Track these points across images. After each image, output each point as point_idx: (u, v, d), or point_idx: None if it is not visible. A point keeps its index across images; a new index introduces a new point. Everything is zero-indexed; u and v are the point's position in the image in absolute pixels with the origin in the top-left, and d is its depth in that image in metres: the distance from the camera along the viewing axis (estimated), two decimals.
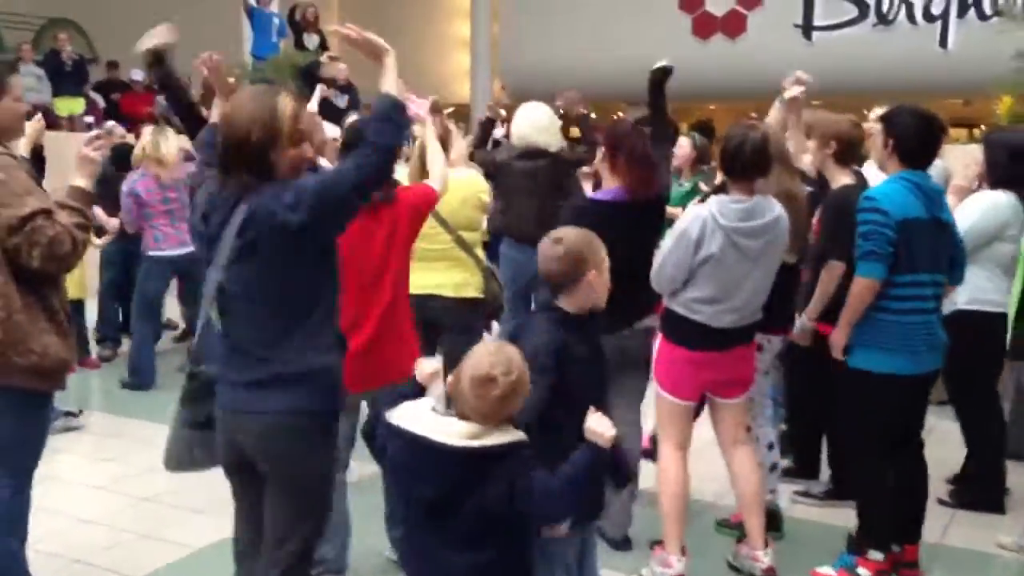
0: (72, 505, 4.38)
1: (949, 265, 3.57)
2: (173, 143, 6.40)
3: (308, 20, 11.81)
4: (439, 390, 2.34)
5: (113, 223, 6.51)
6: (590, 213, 3.58)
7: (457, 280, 4.10)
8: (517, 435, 2.26)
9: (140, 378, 6.34)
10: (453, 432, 2.21)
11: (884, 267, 3.35)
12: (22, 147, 3.19)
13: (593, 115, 6.19)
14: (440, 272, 4.02)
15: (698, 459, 3.83)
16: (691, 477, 3.64)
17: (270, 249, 2.35)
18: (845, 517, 3.94)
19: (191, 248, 6.02)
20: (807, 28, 15.48)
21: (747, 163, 3.36)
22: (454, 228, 4.03)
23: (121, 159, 6.79)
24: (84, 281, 6.55)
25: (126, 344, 6.95)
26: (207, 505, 4.20)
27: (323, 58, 11.37)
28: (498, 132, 7.48)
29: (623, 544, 3.90)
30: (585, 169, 5.96)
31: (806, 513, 4.35)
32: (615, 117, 12.53)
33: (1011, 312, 4.09)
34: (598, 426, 2.34)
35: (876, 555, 3.53)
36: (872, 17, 14.99)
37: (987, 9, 14.08)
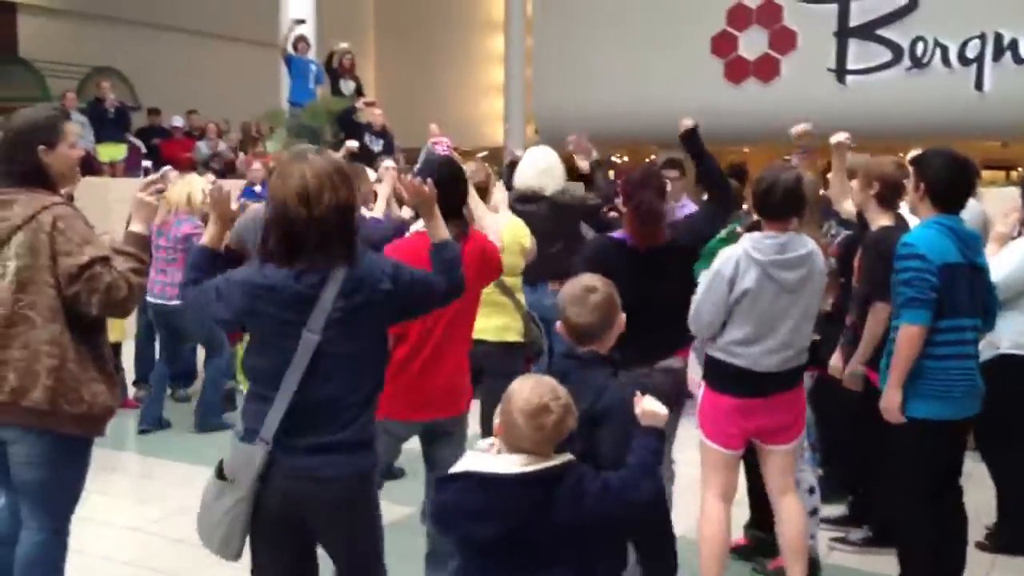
0: (107, 546, 4.40)
1: (985, 310, 3.52)
2: (181, 191, 6.39)
3: (344, 67, 12.03)
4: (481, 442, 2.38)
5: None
6: (612, 250, 3.63)
7: (498, 324, 4.12)
8: (569, 456, 2.28)
9: (145, 419, 6.39)
10: (514, 463, 2.23)
11: (929, 313, 3.29)
12: None
13: (615, 158, 6.17)
14: (482, 317, 4.02)
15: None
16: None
17: (368, 314, 2.48)
18: (884, 565, 3.86)
19: (163, 300, 6.18)
20: (840, 72, 15.49)
21: (779, 204, 3.38)
22: None
23: None
24: (122, 324, 6.64)
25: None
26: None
27: (359, 104, 11.55)
28: None
29: None
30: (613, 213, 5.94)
31: (843, 559, 4.27)
32: (648, 160, 12.59)
33: None
34: (654, 406, 2.38)
35: None
36: (906, 61, 14.97)
37: (1023, 52, 14.03)
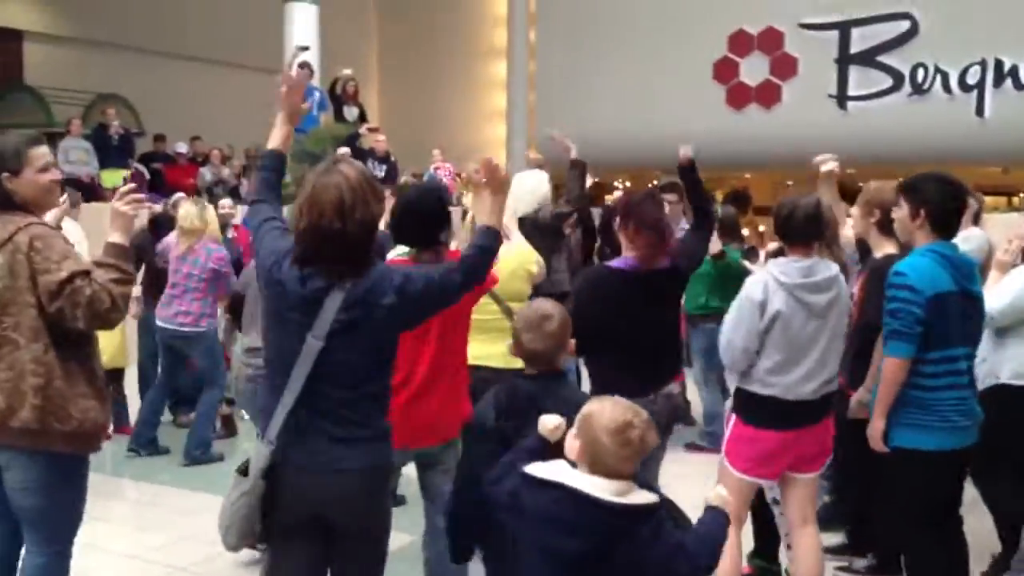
0: (107, 574, 4.37)
1: (977, 338, 3.49)
2: (208, 216, 6.39)
3: (348, 93, 12.10)
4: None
5: (136, 291, 6.52)
6: (612, 280, 3.61)
7: (504, 350, 4.09)
8: (654, 496, 2.35)
9: (134, 439, 6.35)
10: (605, 488, 2.27)
11: (912, 346, 3.27)
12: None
13: (618, 183, 6.28)
14: (487, 343, 4.02)
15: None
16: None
17: (371, 327, 2.52)
18: None
19: (175, 326, 6.11)
20: (842, 98, 15.56)
21: (801, 228, 3.40)
22: (503, 299, 4.05)
23: (159, 229, 6.93)
24: (124, 348, 6.64)
25: (170, 414, 7.02)
26: (241, 574, 4.16)
27: (362, 130, 11.61)
28: None
29: None
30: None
31: None
32: (650, 185, 12.61)
33: None
34: (723, 494, 2.51)
35: None
36: (907, 87, 15.04)
37: (1023, 79, 14.09)
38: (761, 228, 13.04)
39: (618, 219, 3.75)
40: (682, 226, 6.29)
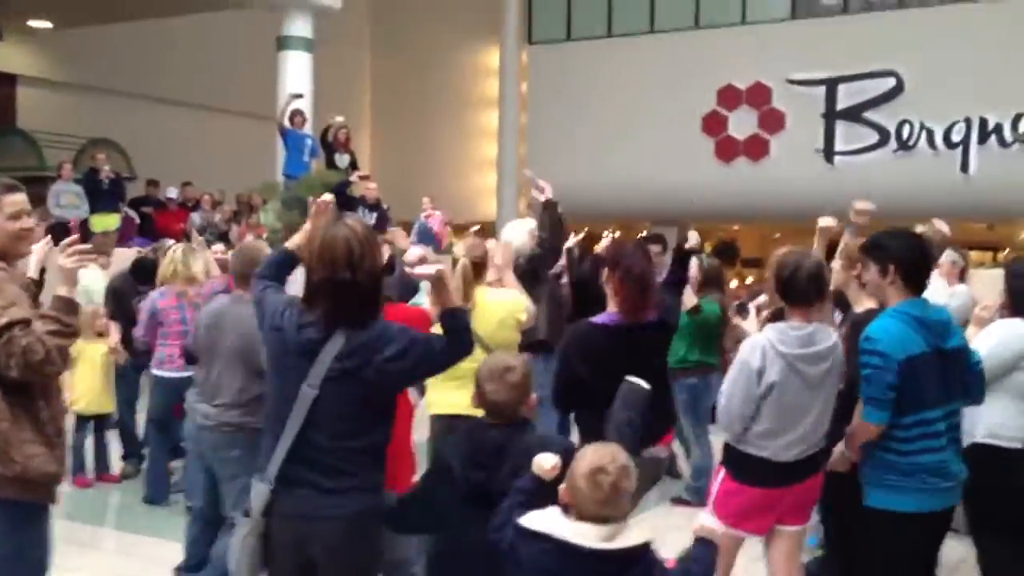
0: None
1: (965, 391, 3.46)
2: (202, 261, 6.33)
3: (340, 141, 12.16)
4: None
5: (113, 339, 6.40)
6: (597, 337, 3.58)
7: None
8: (645, 536, 2.36)
9: (150, 491, 6.25)
10: (590, 534, 2.30)
11: (885, 413, 3.25)
12: (31, 267, 3.24)
13: (607, 232, 6.24)
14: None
15: None
16: None
17: (366, 378, 2.58)
18: None
19: (171, 374, 5.86)
20: (828, 153, 15.75)
21: (804, 288, 3.31)
22: (492, 348, 4.02)
23: (142, 273, 6.83)
24: (109, 394, 6.55)
25: None
26: None
27: (353, 177, 11.66)
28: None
29: None
30: None
31: None
32: (640, 236, 12.67)
33: None
34: (711, 523, 2.51)
35: None
36: (893, 143, 15.25)
37: (1007, 136, 14.30)
38: (748, 279, 13.11)
39: (605, 269, 3.75)
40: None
